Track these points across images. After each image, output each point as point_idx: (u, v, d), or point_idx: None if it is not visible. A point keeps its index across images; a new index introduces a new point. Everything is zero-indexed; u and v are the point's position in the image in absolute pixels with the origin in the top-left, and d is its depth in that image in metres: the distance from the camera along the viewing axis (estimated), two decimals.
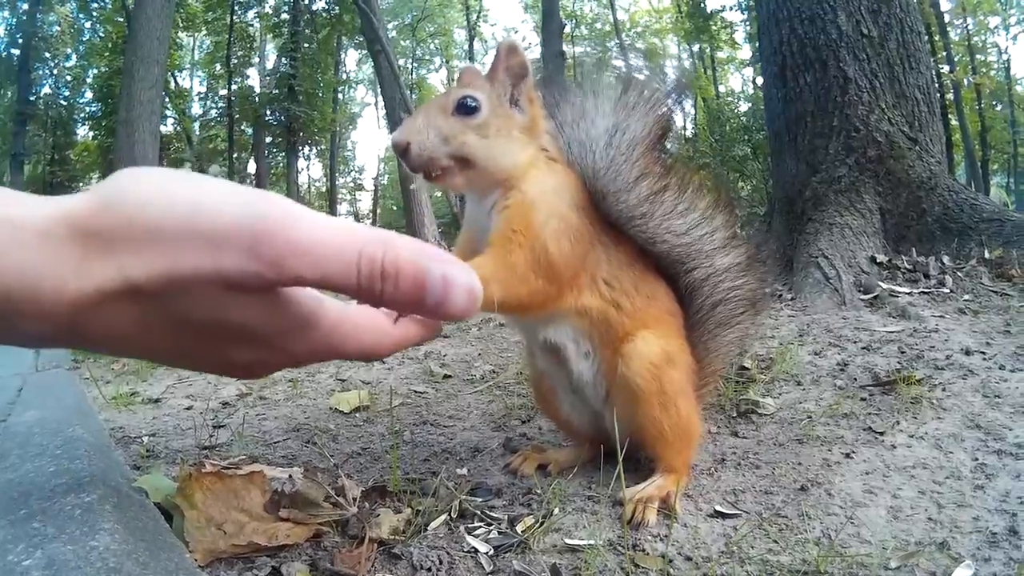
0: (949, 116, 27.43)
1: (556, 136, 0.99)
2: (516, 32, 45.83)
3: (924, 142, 2.98)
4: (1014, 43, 34.21)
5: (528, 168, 0.92)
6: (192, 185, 0.41)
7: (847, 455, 1.04)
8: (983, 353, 1.57)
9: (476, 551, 0.71)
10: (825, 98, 3.09)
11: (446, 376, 1.72)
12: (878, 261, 2.59)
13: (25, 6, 24.57)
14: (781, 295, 2.41)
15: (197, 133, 29.00)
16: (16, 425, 1.25)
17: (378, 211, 45.55)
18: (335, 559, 0.67)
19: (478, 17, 40.56)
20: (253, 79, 31.08)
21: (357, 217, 45.89)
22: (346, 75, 36.84)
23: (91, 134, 28.78)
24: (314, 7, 27.84)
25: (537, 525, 0.77)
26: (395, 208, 42.52)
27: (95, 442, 1.17)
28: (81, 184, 30.90)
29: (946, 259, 2.55)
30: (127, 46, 11.44)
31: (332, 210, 37.32)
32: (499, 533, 0.77)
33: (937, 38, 27.40)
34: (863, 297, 2.25)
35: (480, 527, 0.78)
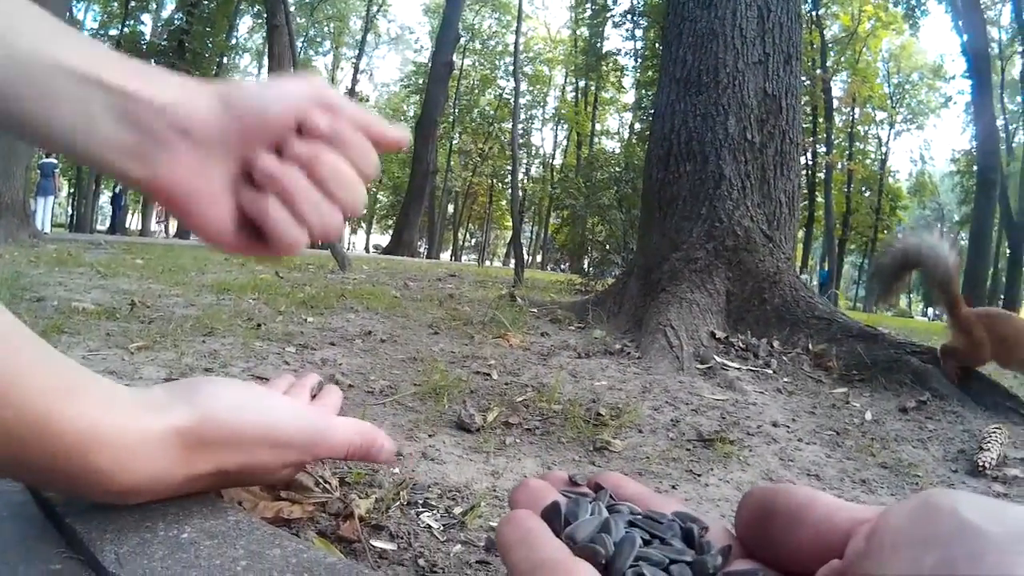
0: (817, 193, 29.72)
1: None
2: (412, 32, 45.48)
3: (779, 240, 3.38)
4: (896, 138, 37.90)
5: None
6: (263, 401, 0.61)
7: (673, 486, 1.38)
8: (787, 427, 1.94)
9: (430, 527, 0.95)
10: (699, 188, 3.45)
11: (350, 386, 1.82)
12: (716, 336, 2.92)
13: None
14: (629, 352, 2.69)
15: None
16: None
17: None
18: (339, 529, 0.85)
19: (378, 10, 40.70)
20: (146, 26, 30.12)
21: None
22: (236, 41, 35.79)
23: None
24: None
25: (469, 510, 1.02)
26: None
27: None
28: None
29: (776, 344, 2.90)
30: None
31: None
32: (441, 515, 1.00)
33: (821, 120, 29.96)
34: (699, 366, 2.56)
35: (425, 511, 1.01)
